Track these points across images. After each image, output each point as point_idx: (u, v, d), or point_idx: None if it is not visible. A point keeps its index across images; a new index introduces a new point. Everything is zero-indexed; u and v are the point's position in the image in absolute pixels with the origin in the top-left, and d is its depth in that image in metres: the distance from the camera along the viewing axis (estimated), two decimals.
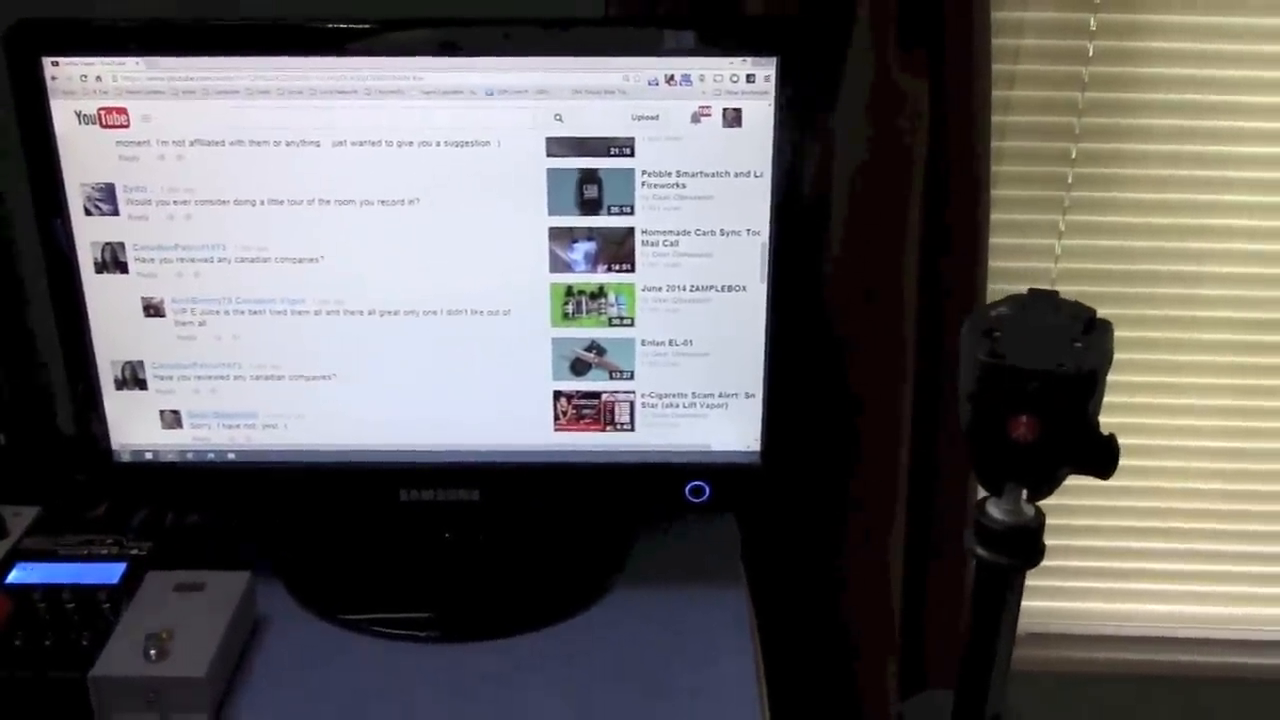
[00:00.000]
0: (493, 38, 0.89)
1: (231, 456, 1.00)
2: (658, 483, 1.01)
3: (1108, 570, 1.43)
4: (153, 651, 0.88)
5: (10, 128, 0.90)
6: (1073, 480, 0.65)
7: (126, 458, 1.00)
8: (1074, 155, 1.22)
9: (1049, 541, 0.68)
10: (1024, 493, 0.66)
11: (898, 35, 1.04)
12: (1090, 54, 1.18)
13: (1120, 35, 1.17)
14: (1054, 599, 1.45)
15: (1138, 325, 1.28)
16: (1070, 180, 1.23)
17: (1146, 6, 1.16)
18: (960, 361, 0.64)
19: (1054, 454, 0.62)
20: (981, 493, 0.69)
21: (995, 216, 1.14)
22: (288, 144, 0.90)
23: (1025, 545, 0.67)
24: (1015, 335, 0.63)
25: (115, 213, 0.92)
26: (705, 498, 1.01)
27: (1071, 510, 1.38)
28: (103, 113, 0.89)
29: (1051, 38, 1.18)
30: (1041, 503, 0.67)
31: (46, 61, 0.87)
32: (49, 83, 0.88)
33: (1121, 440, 0.63)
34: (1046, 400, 0.60)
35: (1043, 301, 0.66)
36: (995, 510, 0.67)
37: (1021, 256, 1.26)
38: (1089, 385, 0.60)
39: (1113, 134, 1.22)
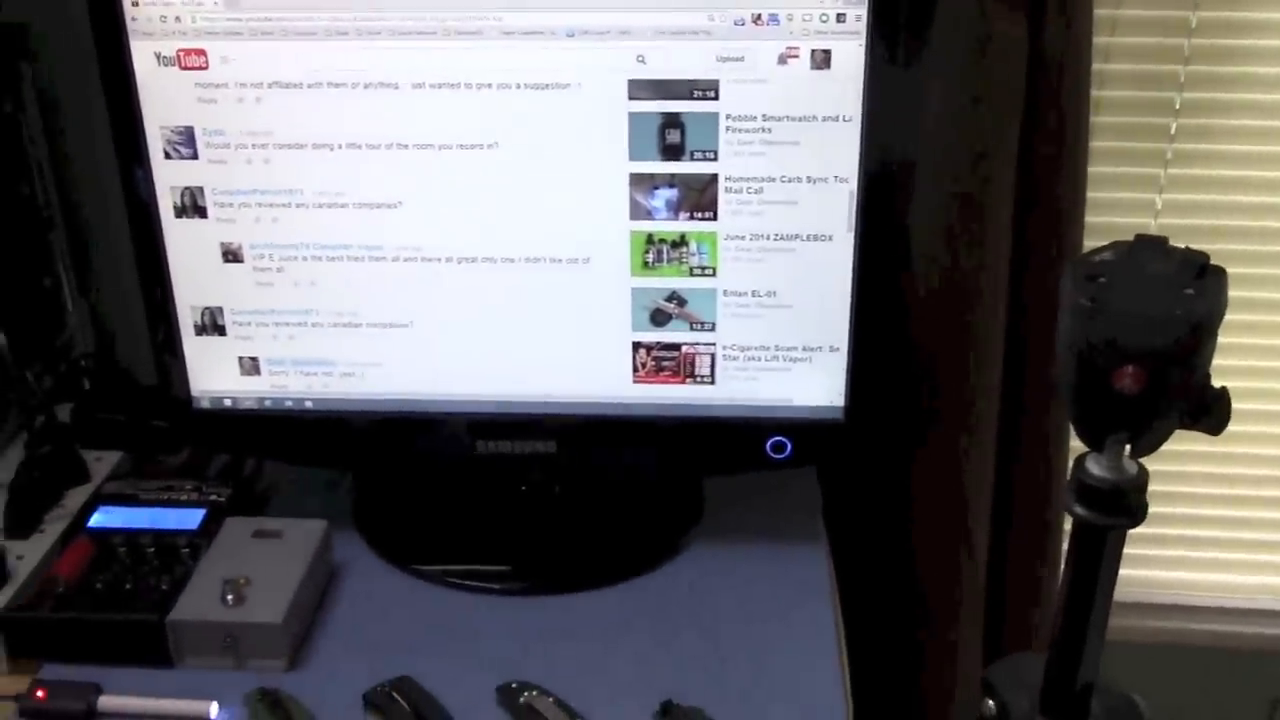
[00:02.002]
0: None
1: (309, 404, 1.00)
2: (738, 438, 0.99)
3: (1205, 539, 1.38)
4: (230, 597, 0.88)
5: (91, 70, 0.90)
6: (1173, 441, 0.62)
7: (206, 404, 1.00)
8: (1178, 105, 1.17)
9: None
10: (1126, 448, 0.62)
11: None
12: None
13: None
14: (1150, 567, 1.40)
15: (1243, 284, 1.22)
16: (1173, 131, 1.18)
17: None
18: (1060, 308, 0.61)
19: (1162, 407, 0.59)
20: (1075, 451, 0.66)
21: (1092, 169, 1.09)
22: (365, 86, 0.88)
23: (1127, 504, 0.63)
24: (1121, 281, 0.59)
25: (194, 156, 0.91)
26: (787, 454, 0.99)
27: (1169, 477, 1.33)
28: (182, 54, 0.88)
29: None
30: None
31: (126, 1, 0.87)
32: (129, 23, 0.87)
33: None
34: (1154, 349, 0.57)
35: (1150, 248, 0.62)
36: (1095, 466, 0.63)
37: (1119, 211, 1.21)
38: (1201, 333, 0.57)
39: (1219, 82, 1.16)
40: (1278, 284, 1.24)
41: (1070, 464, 0.67)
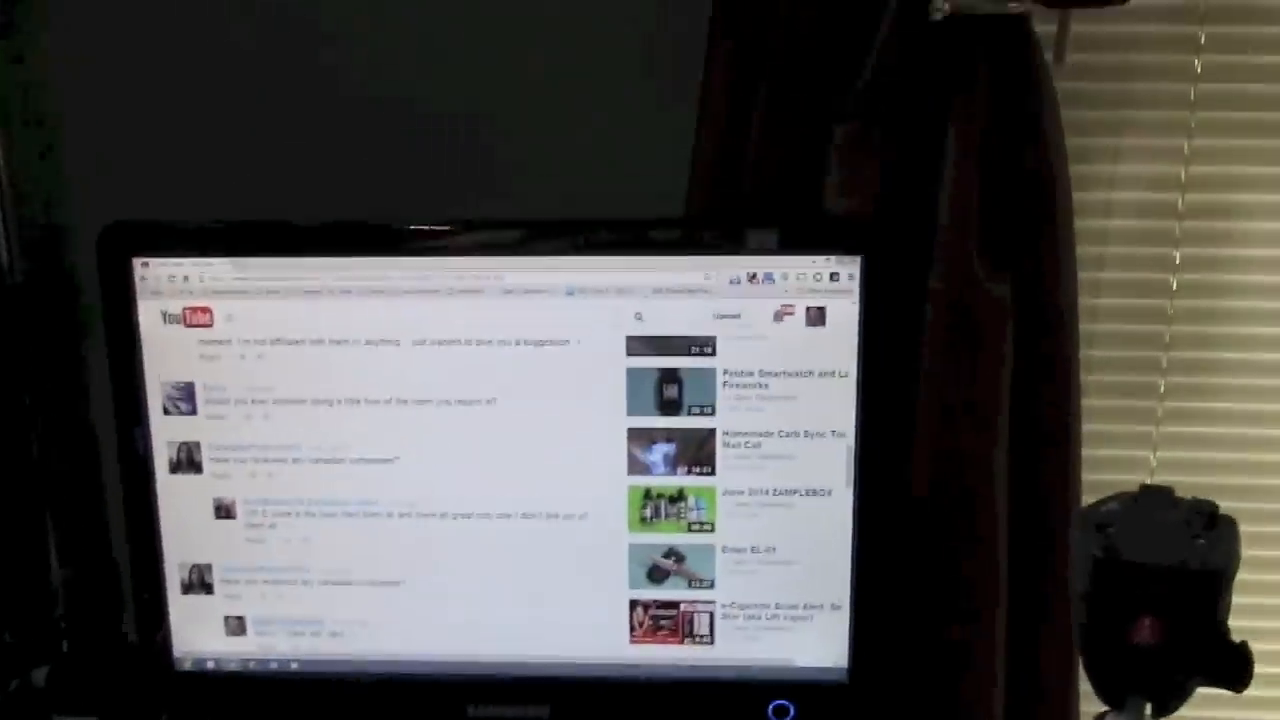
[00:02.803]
0: (572, 237, 0.89)
1: (295, 666, 0.96)
2: (739, 701, 0.95)
3: None
4: None
5: (96, 329, 0.91)
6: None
7: (188, 666, 0.97)
8: (1164, 364, 1.19)
9: None
10: (1148, 707, 0.60)
11: (979, 241, 1.03)
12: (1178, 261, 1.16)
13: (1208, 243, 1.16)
14: None
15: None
16: (1162, 390, 1.19)
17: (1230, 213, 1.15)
18: (1072, 561, 0.60)
19: (1181, 661, 0.57)
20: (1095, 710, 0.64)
21: (1087, 428, 1.10)
22: (367, 342, 0.90)
23: None
24: (1131, 530, 0.58)
25: (193, 412, 0.91)
26: (790, 718, 0.95)
27: None
28: (188, 312, 0.90)
29: (1137, 245, 1.17)
30: None
31: (137, 262, 0.89)
32: (138, 283, 0.89)
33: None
34: (1171, 599, 0.55)
35: (1157, 497, 0.62)
36: None
37: (1113, 470, 1.21)
38: (1217, 583, 0.56)
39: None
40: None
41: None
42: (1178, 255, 1.16)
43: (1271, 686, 1.21)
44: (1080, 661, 0.63)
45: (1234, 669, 0.58)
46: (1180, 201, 1.15)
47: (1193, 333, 1.18)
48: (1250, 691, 0.59)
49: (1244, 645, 0.58)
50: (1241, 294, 1.17)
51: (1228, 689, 0.59)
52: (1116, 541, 0.57)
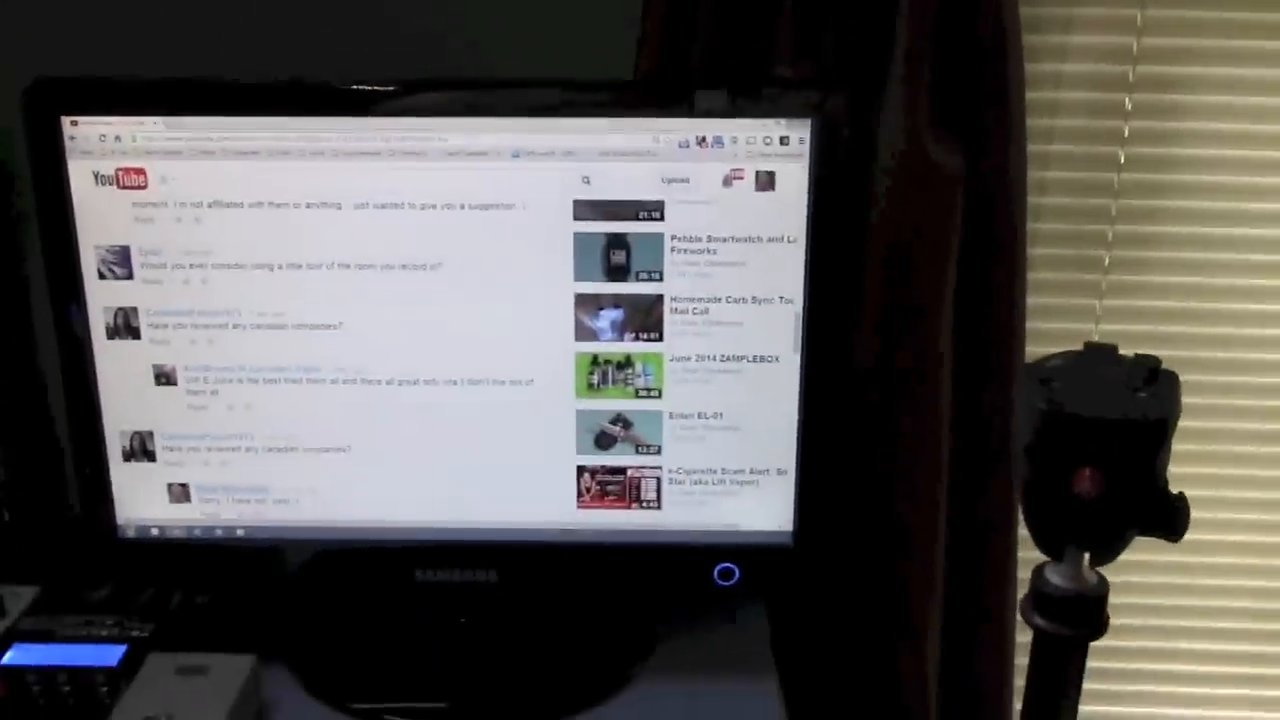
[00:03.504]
0: (518, 98, 0.87)
1: (240, 533, 0.96)
2: (685, 564, 0.96)
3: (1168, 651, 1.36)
4: None
5: (27, 188, 0.88)
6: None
7: (131, 534, 0.96)
8: (1111, 236, 1.20)
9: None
10: (1086, 557, 0.61)
11: (931, 108, 1.02)
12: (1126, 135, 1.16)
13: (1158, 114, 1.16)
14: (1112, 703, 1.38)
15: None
16: (1110, 239, 1.20)
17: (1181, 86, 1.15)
18: (1016, 415, 0.60)
19: (1120, 511, 0.58)
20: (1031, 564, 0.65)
21: (1032, 276, 1.10)
22: (308, 206, 0.88)
23: (1088, 614, 0.62)
24: (1074, 385, 0.59)
25: (129, 276, 0.89)
26: (735, 580, 0.96)
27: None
28: (121, 173, 0.87)
29: (1086, 118, 1.16)
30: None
31: (65, 121, 0.86)
32: (67, 142, 0.86)
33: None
34: (1112, 451, 0.56)
35: (1100, 354, 0.62)
36: (1055, 576, 0.62)
37: (1061, 318, 1.22)
38: (1157, 434, 0.56)
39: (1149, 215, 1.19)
40: (1223, 390, 1.24)
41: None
42: (1126, 129, 1.16)
43: (1204, 530, 1.24)
44: (1020, 519, 0.64)
45: (1171, 519, 0.59)
46: (1131, 74, 1.15)
47: (1138, 206, 1.19)
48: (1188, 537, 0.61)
49: (1180, 496, 0.59)
50: (1190, 167, 1.18)
51: (1164, 538, 0.60)
52: (1059, 395, 0.58)
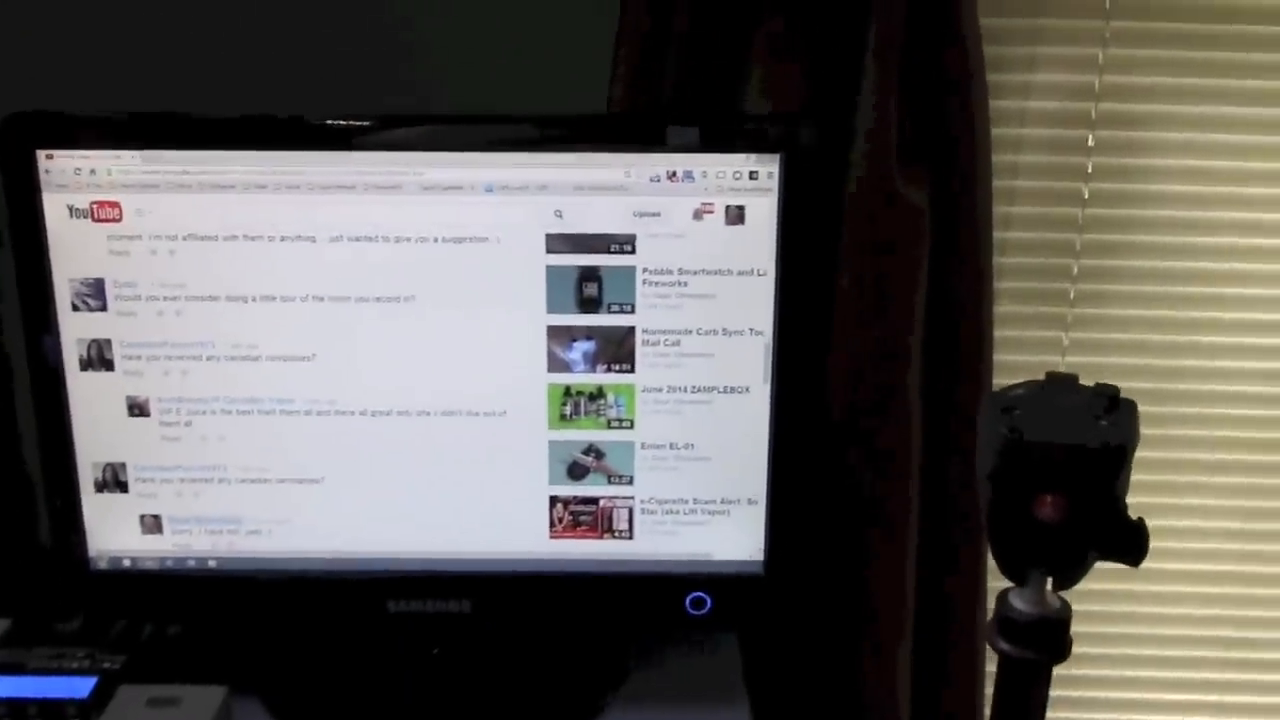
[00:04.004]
0: (492, 133, 0.88)
1: (213, 564, 0.96)
2: (657, 593, 0.97)
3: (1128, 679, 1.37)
4: None
5: (1, 221, 0.88)
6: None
7: (103, 565, 0.96)
8: (1077, 270, 1.22)
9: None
10: (1049, 581, 0.62)
11: (898, 146, 1.03)
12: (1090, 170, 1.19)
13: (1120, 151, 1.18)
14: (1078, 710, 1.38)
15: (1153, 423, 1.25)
16: (1076, 272, 1.22)
17: (1143, 123, 1.17)
18: (979, 442, 0.61)
19: (1081, 536, 0.59)
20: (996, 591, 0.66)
21: (999, 309, 1.12)
22: (283, 239, 0.88)
23: (1051, 638, 0.63)
24: (1036, 413, 0.60)
25: (103, 308, 0.90)
26: (706, 610, 0.97)
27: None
28: (95, 206, 0.87)
29: (1050, 154, 1.19)
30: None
31: (40, 154, 0.86)
32: (42, 176, 0.87)
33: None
34: (1073, 477, 0.57)
35: (1061, 383, 0.64)
36: (1019, 601, 0.63)
37: (1028, 350, 1.24)
38: (1117, 461, 0.58)
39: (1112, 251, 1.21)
40: (1183, 421, 1.26)
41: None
42: (1090, 164, 1.18)
43: (1161, 559, 1.25)
44: (988, 546, 0.65)
45: (1131, 544, 0.61)
46: (1094, 111, 1.17)
47: (1103, 240, 1.21)
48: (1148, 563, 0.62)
49: (1140, 522, 0.60)
50: (1152, 202, 1.20)
51: (1125, 563, 0.62)
52: (1021, 423, 0.59)
